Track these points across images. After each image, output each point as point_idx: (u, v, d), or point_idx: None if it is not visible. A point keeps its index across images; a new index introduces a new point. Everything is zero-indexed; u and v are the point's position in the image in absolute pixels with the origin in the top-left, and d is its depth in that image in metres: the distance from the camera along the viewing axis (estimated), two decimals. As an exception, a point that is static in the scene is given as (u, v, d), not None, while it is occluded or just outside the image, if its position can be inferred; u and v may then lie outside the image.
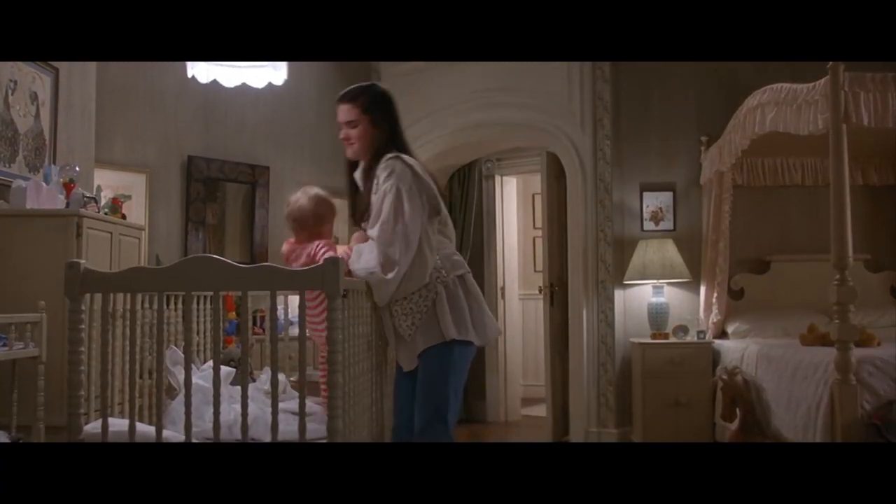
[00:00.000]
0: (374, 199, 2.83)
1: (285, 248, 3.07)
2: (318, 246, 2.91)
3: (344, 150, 3.05)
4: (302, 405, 2.23)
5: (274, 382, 2.26)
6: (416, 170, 2.85)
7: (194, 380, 2.48)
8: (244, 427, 2.23)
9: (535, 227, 8.60)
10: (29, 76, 4.08)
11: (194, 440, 2.33)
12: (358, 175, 3.02)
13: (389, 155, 2.86)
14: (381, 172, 2.83)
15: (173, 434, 2.58)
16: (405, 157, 2.88)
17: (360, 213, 2.97)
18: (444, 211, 2.91)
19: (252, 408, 2.37)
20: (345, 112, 2.96)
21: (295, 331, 3.13)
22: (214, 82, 4.19)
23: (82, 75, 4.58)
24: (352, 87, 2.99)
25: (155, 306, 2.58)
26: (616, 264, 5.91)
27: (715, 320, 5.63)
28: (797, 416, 3.94)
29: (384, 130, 2.93)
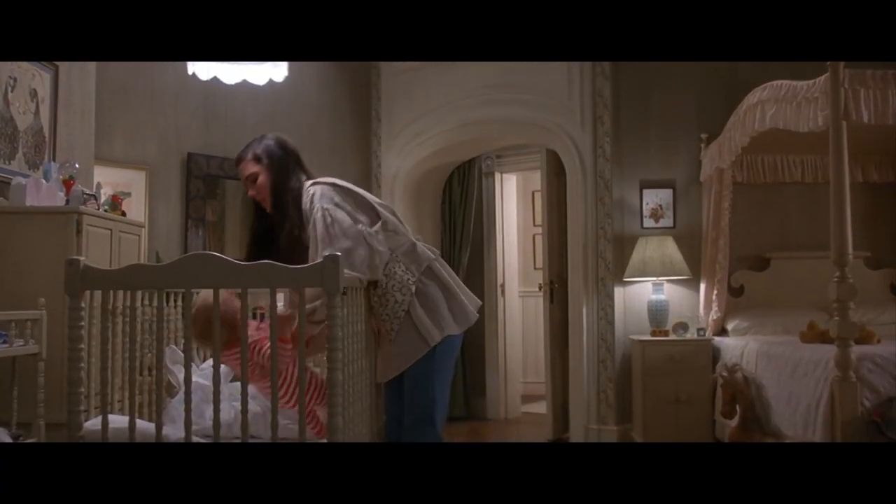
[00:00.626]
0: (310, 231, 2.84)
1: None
2: (256, 347, 2.74)
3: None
4: (302, 403, 2.23)
5: (274, 380, 2.26)
6: (337, 184, 2.89)
7: (194, 378, 2.48)
8: (244, 425, 2.23)
9: (535, 225, 8.60)
10: (28, 73, 4.07)
11: (194, 438, 2.33)
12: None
13: (307, 185, 2.91)
14: (306, 206, 2.86)
15: (173, 432, 2.58)
16: (322, 179, 2.92)
17: (294, 254, 2.87)
18: (386, 214, 2.89)
19: (252, 405, 2.37)
20: (243, 170, 3.00)
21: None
22: (214, 79, 4.19)
23: (82, 72, 4.58)
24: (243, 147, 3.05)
25: (155, 303, 2.58)
26: (616, 261, 5.92)
27: (715, 317, 5.63)
28: (797, 414, 3.94)
29: (284, 171, 2.95)
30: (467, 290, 3.05)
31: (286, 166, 2.95)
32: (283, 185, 2.92)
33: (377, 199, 2.96)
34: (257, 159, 2.96)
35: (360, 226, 2.79)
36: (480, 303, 3.11)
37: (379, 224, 2.84)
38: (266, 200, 2.98)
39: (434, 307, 2.86)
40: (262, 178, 2.95)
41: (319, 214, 2.77)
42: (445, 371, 2.92)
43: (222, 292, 2.39)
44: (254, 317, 5.17)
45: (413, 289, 2.84)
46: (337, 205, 2.79)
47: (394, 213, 2.96)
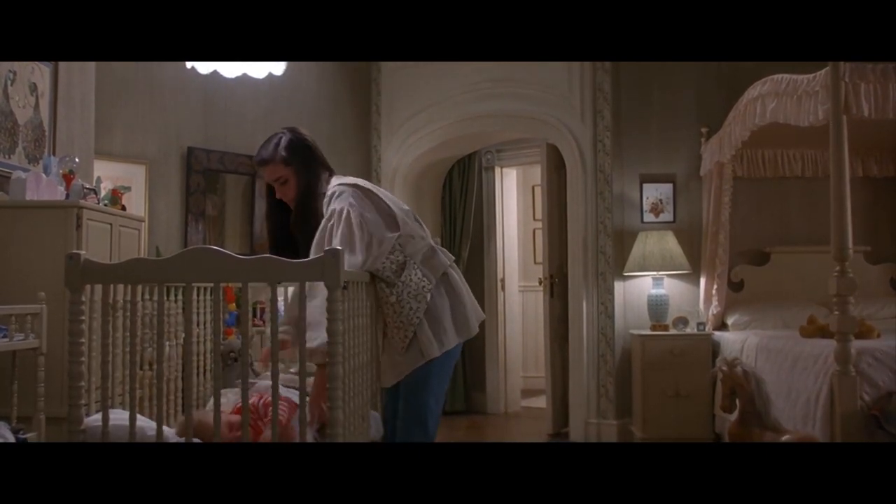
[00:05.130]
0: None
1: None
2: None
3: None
4: (302, 398, 2.24)
5: (274, 372, 2.26)
6: (360, 186, 2.82)
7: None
8: (245, 419, 2.23)
9: (535, 219, 8.60)
10: (28, 67, 4.07)
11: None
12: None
13: (333, 185, 2.83)
14: (327, 203, 2.79)
15: (173, 432, 2.59)
16: (348, 180, 2.84)
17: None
18: (405, 221, 2.84)
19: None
20: (270, 173, 2.88)
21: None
22: (214, 73, 4.20)
23: (82, 66, 4.57)
24: (262, 147, 2.89)
25: (155, 297, 2.58)
26: (616, 256, 5.92)
27: (715, 312, 5.64)
28: (797, 408, 3.95)
29: (312, 170, 2.87)
30: (474, 299, 3.03)
31: (315, 168, 2.88)
32: (314, 190, 2.85)
33: (397, 203, 2.90)
34: (286, 162, 2.84)
35: (369, 233, 2.73)
36: (484, 316, 3.09)
37: (396, 234, 2.80)
38: (293, 201, 2.89)
39: (438, 320, 2.84)
40: (292, 182, 2.86)
41: (345, 213, 2.70)
42: (442, 378, 2.91)
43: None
44: (254, 313, 5.18)
45: (428, 297, 2.82)
46: (352, 206, 2.72)
47: (415, 217, 2.92)
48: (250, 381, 2.92)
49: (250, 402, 2.68)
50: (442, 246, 3.08)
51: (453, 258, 3.03)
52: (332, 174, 2.95)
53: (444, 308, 2.87)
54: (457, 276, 2.97)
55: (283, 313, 2.99)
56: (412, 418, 2.87)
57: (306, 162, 2.87)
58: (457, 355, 2.97)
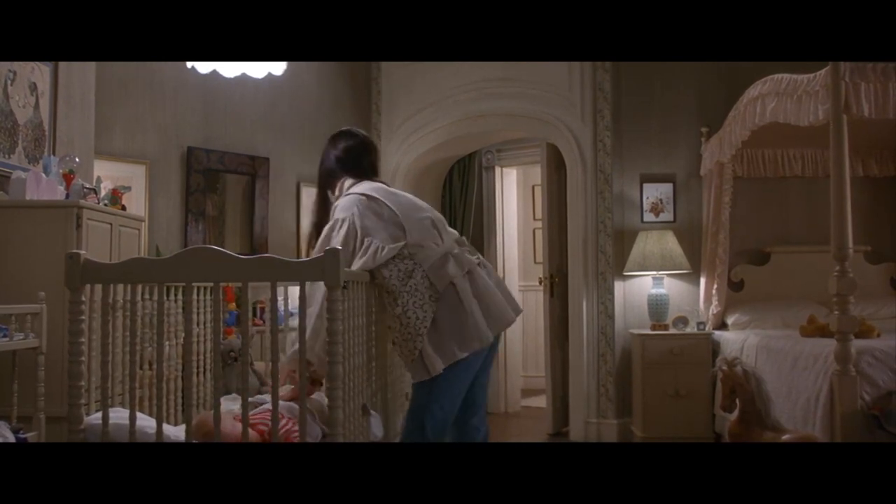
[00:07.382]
0: None
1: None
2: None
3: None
4: (303, 395, 2.24)
5: (274, 373, 2.26)
6: (368, 195, 2.94)
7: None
8: (245, 418, 2.23)
9: (535, 219, 8.60)
10: (28, 67, 4.07)
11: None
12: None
13: (346, 191, 3.04)
14: (333, 211, 3.00)
15: (174, 431, 2.58)
16: (358, 189, 2.99)
17: None
18: (416, 229, 2.88)
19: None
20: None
21: (295, 321, 3.12)
22: (214, 73, 4.20)
23: (82, 66, 4.57)
24: None
25: (155, 297, 2.59)
26: (616, 255, 5.92)
27: (715, 311, 5.64)
28: (797, 407, 3.95)
29: (321, 185, 3.19)
30: (496, 301, 2.95)
31: (326, 179, 3.15)
32: (322, 195, 3.16)
33: (412, 212, 2.94)
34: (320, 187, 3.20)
35: (368, 240, 2.83)
36: (513, 316, 3.02)
37: (401, 244, 2.84)
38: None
39: (440, 334, 2.81)
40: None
41: (331, 222, 2.89)
42: (450, 390, 2.87)
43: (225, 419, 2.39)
44: (254, 313, 5.18)
45: (434, 307, 2.80)
46: (353, 215, 2.85)
47: (433, 224, 2.95)
48: (259, 397, 2.94)
49: (263, 429, 2.67)
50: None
51: (475, 261, 2.99)
52: (358, 180, 3.07)
53: (446, 323, 2.82)
54: (467, 285, 2.89)
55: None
56: (413, 422, 2.88)
57: (320, 179, 3.17)
58: (471, 369, 2.89)
